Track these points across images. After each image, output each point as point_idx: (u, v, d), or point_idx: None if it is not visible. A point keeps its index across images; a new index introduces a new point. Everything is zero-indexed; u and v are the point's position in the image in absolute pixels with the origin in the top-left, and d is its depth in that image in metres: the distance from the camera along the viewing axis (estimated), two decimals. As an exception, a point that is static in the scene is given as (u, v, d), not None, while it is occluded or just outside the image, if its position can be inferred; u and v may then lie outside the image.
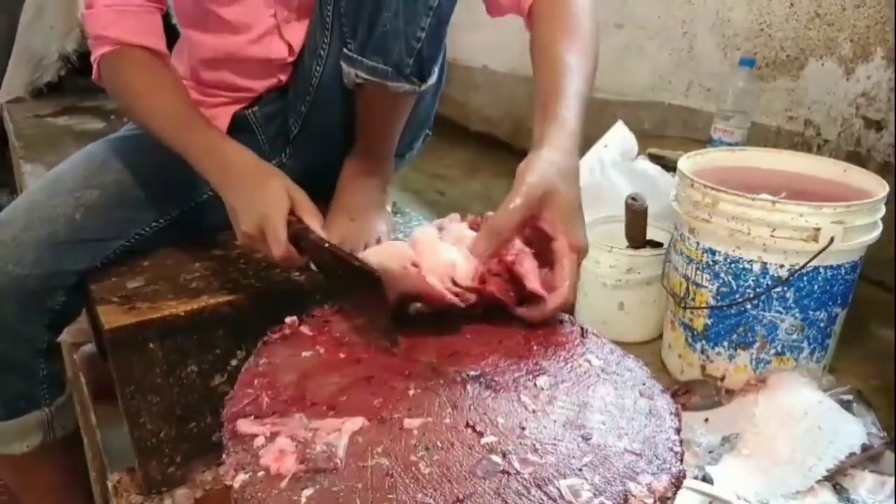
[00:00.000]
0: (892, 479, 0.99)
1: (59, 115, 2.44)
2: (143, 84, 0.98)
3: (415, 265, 0.75)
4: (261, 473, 0.55)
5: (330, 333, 0.76)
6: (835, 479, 0.99)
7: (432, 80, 1.04)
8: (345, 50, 0.98)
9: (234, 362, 0.97)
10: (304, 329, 0.76)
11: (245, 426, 0.60)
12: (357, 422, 0.60)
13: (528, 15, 0.99)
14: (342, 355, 0.71)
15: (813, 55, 1.80)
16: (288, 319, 0.77)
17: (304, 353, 0.72)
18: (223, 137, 0.94)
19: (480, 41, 3.15)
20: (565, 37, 0.89)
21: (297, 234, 0.82)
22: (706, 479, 0.98)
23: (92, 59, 1.01)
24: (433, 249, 0.76)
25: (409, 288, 0.74)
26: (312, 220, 0.84)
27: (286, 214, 0.82)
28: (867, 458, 1.02)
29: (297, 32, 1.06)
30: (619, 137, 1.73)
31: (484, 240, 0.74)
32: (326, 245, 0.80)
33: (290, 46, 1.06)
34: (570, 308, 0.75)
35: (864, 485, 0.99)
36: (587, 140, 1.21)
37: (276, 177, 0.86)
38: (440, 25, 0.97)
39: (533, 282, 0.73)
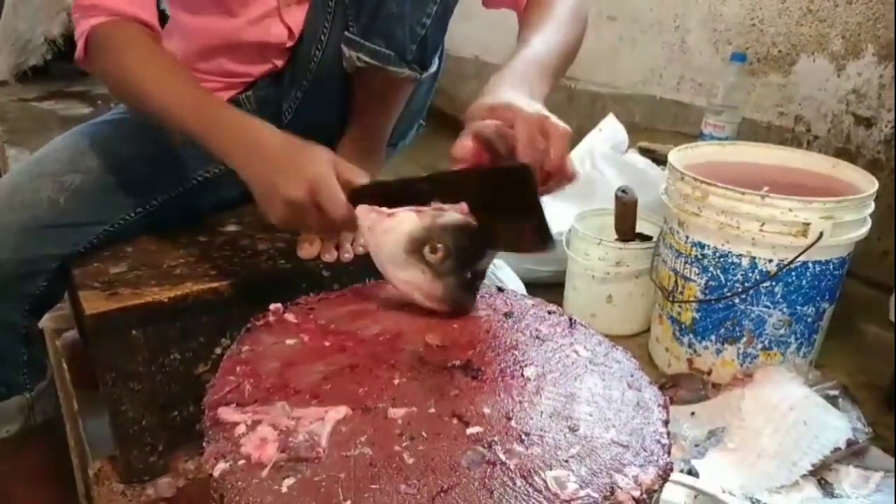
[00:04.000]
0: (877, 474, 0.99)
1: (44, 99, 2.43)
2: (142, 62, 0.90)
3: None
4: (241, 462, 0.54)
5: (315, 321, 0.75)
6: (819, 473, 0.99)
7: (432, 68, 1.03)
8: (346, 33, 0.97)
9: (218, 350, 0.96)
10: (289, 316, 0.75)
11: (226, 414, 0.59)
12: (340, 410, 0.59)
13: (523, 9, 0.98)
14: (327, 343, 0.70)
15: (804, 51, 1.80)
16: (272, 307, 0.76)
17: (287, 341, 0.71)
18: (243, 114, 0.87)
19: (472, 32, 3.13)
20: (540, 25, 0.89)
21: (352, 193, 0.76)
22: (692, 472, 0.97)
23: (77, 33, 0.93)
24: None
25: None
26: (360, 178, 0.77)
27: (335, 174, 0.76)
28: (852, 454, 1.02)
29: (297, 15, 1.03)
30: (610, 130, 1.72)
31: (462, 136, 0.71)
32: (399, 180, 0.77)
33: (289, 30, 1.04)
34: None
35: (849, 479, 0.99)
36: (578, 131, 1.20)
37: (314, 144, 0.80)
38: (445, 14, 0.96)
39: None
